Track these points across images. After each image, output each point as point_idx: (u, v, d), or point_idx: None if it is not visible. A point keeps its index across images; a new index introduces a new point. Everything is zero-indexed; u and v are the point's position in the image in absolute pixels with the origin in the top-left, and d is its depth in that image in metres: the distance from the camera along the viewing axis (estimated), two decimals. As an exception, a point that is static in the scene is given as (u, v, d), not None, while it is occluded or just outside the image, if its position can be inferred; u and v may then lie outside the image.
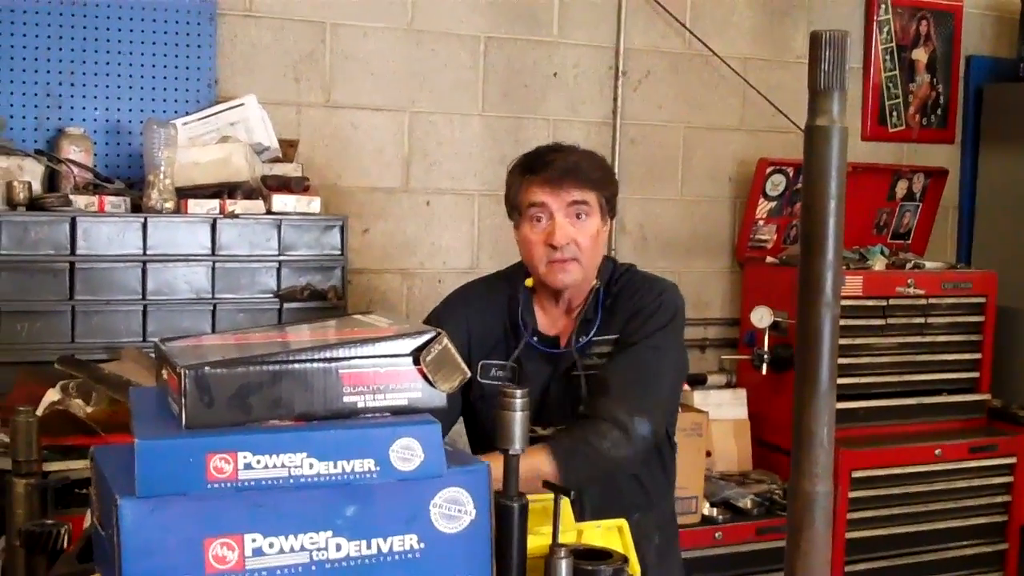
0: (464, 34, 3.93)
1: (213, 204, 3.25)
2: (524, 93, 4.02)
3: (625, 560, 2.41)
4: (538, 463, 2.33)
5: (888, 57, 4.67)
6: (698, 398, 4.06)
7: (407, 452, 1.54)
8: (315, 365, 1.55)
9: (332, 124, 3.77)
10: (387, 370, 1.57)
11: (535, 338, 2.61)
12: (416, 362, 1.59)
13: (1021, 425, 4.55)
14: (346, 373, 1.55)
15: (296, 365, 1.55)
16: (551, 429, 2.53)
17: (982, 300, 4.46)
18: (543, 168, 2.51)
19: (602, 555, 2.43)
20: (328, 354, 1.56)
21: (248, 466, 1.49)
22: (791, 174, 4.30)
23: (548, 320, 2.66)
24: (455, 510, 1.59)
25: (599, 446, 2.41)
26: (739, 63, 4.31)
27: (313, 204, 3.34)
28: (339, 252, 3.36)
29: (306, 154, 3.64)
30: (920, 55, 4.77)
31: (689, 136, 4.32)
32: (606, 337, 2.58)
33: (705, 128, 4.32)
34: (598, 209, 2.53)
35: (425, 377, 1.59)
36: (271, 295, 3.30)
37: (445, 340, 1.60)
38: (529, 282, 2.63)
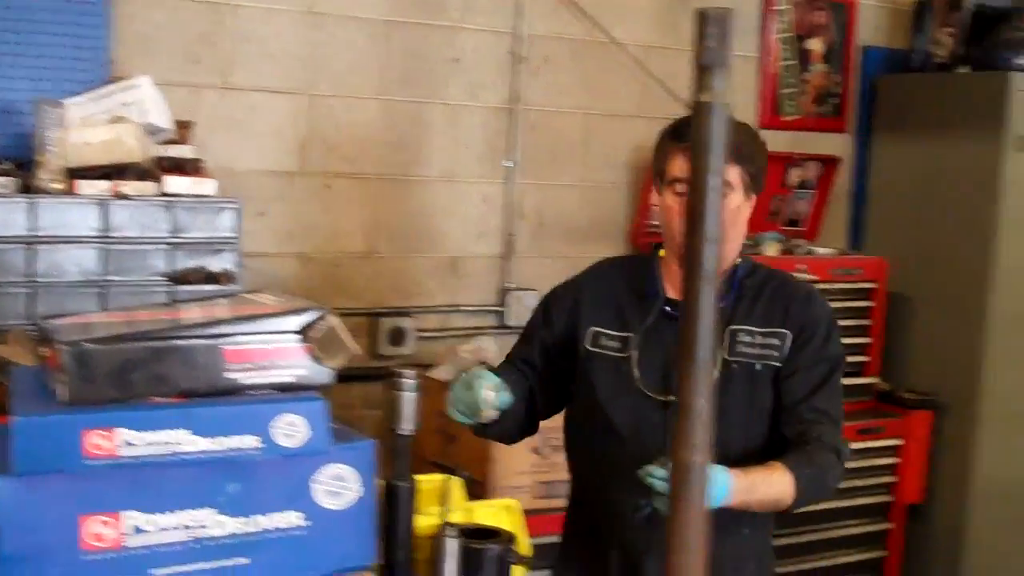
0: (364, 17, 3.90)
1: (104, 185, 3.19)
2: (424, 78, 4.01)
3: (513, 538, 2.43)
4: (783, 492, 2.34)
5: (785, 46, 4.73)
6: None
7: (291, 428, 1.54)
8: (198, 342, 1.54)
9: (229, 106, 3.72)
10: (272, 347, 1.57)
11: (668, 306, 2.54)
12: (303, 339, 1.58)
13: (908, 408, 4.67)
14: (230, 350, 1.54)
15: (179, 342, 1.53)
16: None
17: (872, 286, 4.55)
18: (684, 137, 2.38)
19: (492, 534, 2.45)
20: (211, 331, 1.55)
21: (128, 443, 1.48)
22: (688, 161, 4.34)
23: (677, 290, 2.53)
24: (339, 487, 1.59)
25: (829, 478, 2.43)
26: (639, 50, 4.34)
27: (207, 186, 3.29)
28: (233, 235, 3.32)
29: (202, 136, 3.59)
30: (816, 45, 4.84)
31: (588, 122, 4.34)
32: (756, 329, 2.53)
33: (604, 114, 4.34)
34: (741, 185, 2.43)
35: (312, 354, 1.58)
36: (163, 278, 3.25)
37: (333, 318, 1.59)
38: (662, 252, 2.58)
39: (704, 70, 1.21)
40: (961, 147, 4.60)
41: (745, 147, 2.43)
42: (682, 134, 2.40)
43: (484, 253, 4.21)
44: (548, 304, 2.78)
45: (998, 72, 4.48)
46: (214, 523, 1.51)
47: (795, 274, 2.71)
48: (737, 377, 2.51)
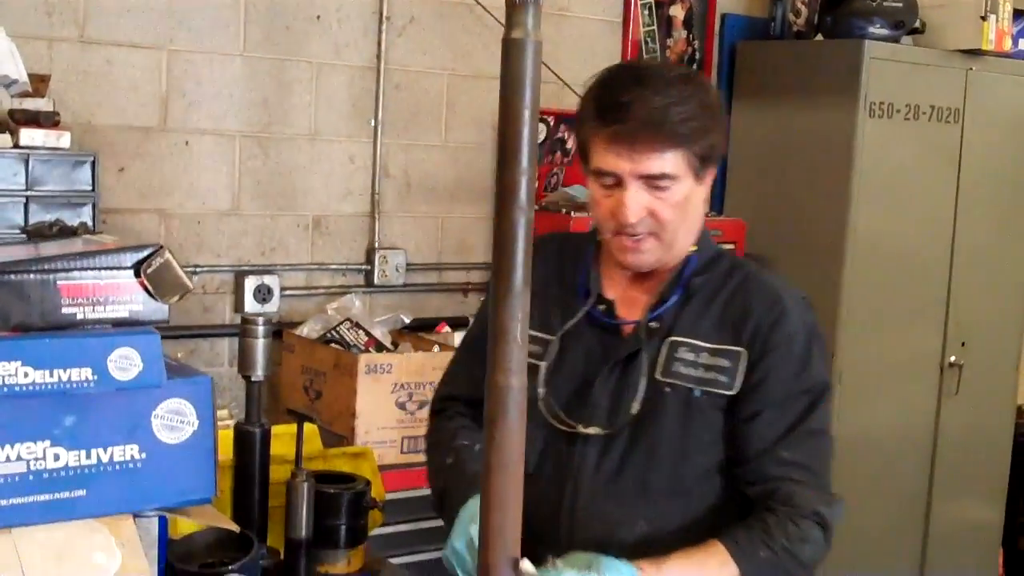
0: (225, -27, 3.89)
1: (-43, 137, 3.15)
2: (286, 35, 4.00)
3: (367, 484, 2.48)
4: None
5: (646, 12, 4.82)
6: (458, 340, 4.14)
7: (125, 361, 1.56)
8: (32, 276, 1.55)
9: (86, 60, 3.68)
10: (107, 282, 1.58)
11: (600, 307, 2.11)
12: (137, 275, 1.60)
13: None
14: (64, 284, 1.56)
15: (12, 276, 1.55)
16: (593, 428, 2.04)
17: (731, 246, 4.67)
18: (615, 117, 1.93)
19: (347, 480, 2.49)
20: (46, 265, 1.56)
21: (-39, 375, 1.48)
22: (552, 123, 4.41)
23: (615, 289, 2.14)
24: (177, 421, 1.62)
25: (801, 554, 1.92)
26: (503, 12, 4.37)
27: (63, 139, 3.27)
28: (90, 188, 3.30)
29: (58, 90, 3.55)
30: (677, 11, 4.93)
31: (453, 83, 4.38)
32: (703, 344, 2.02)
33: (470, 76, 4.38)
34: (689, 171, 1.95)
35: (146, 289, 1.61)
36: (18, 231, 3.22)
37: (167, 254, 1.62)
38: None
39: (515, 7, 1.26)
40: (818, 113, 4.73)
41: (692, 122, 1.93)
42: (604, 112, 1.95)
43: (350, 212, 4.23)
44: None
45: (852, 40, 4.62)
46: (51, 456, 1.53)
47: (770, 273, 2.13)
48: (669, 406, 2.01)
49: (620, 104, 1.92)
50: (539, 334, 2.08)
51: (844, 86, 4.60)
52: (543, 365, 2.06)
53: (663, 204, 1.96)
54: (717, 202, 5.11)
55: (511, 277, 1.27)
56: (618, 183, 1.96)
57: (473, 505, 1.86)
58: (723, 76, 5.09)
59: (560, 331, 2.09)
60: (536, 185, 1.19)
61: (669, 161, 1.93)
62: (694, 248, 2.09)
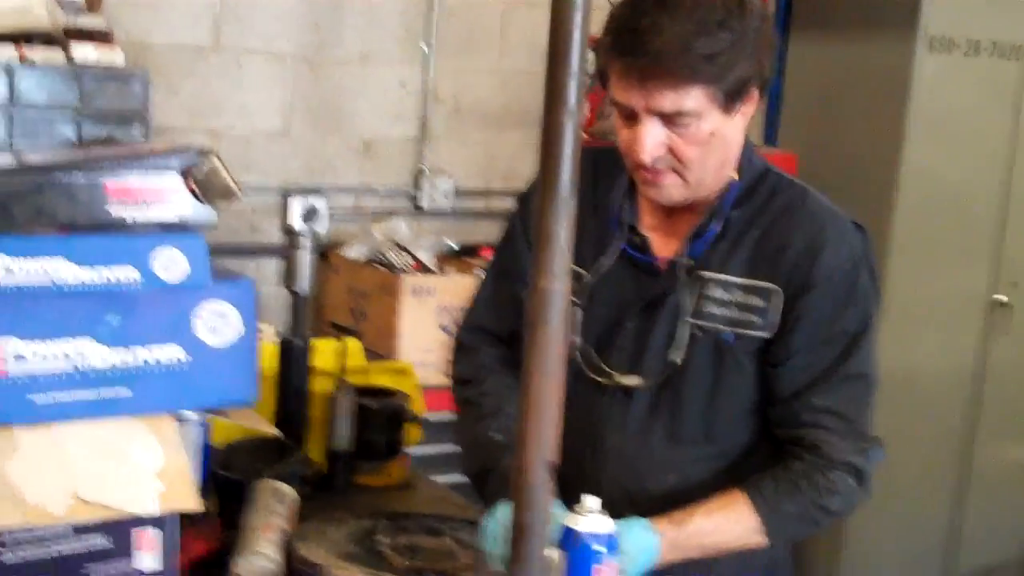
0: None
1: (10, 51, 3.16)
2: (341, -43, 3.99)
3: (407, 398, 2.50)
4: (742, 538, 1.84)
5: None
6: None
7: (170, 262, 1.57)
8: (79, 176, 1.56)
9: (140, -22, 3.68)
10: (154, 184, 1.59)
11: (635, 240, 1.95)
12: (185, 178, 1.61)
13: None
14: (111, 185, 1.57)
15: (60, 175, 1.55)
16: (632, 378, 1.92)
17: (782, 179, 4.62)
18: (629, 47, 1.73)
19: (387, 394, 2.51)
20: (94, 166, 1.57)
21: (8, 270, 1.50)
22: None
23: (653, 220, 1.96)
24: (220, 323, 1.63)
25: (830, 506, 1.85)
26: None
27: (116, 57, 3.28)
28: (141, 106, 3.31)
29: (112, 8, 3.55)
30: (735, -59, 4.85)
31: (507, 8, 4.34)
32: (735, 280, 1.87)
33: (523, 2, 4.34)
34: (714, 106, 1.75)
35: (193, 193, 1.61)
36: (71, 146, 3.24)
37: (215, 159, 1.62)
38: None
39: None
40: (875, 46, 4.64)
41: (720, 56, 1.72)
42: (619, 42, 1.75)
43: (399, 136, 4.23)
44: (520, 214, 2.12)
45: (913, -29, 4.52)
46: (94, 353, 1.54)
47: (820, 195, 1.93)
48: (699, 351, 1.88)
49: (635, 32, 1.71)
50: (578, 268, 1.92)
51: (903, 19, 4.50)
52: (579, 312, 1.93)
53: (683, 142, 1.77)
54: (770, 133, 5.05)
55: (557, 182, 1.26)
56: (633, 116, 1.78)
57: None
58: (781, 5, 5.01)
59: (594, 270, 1.94)
60: (586, 87, 1.15)
61: (688, 98, 1.73)
62: (734, 176, 1.89)
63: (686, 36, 1.69)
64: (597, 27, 1.61)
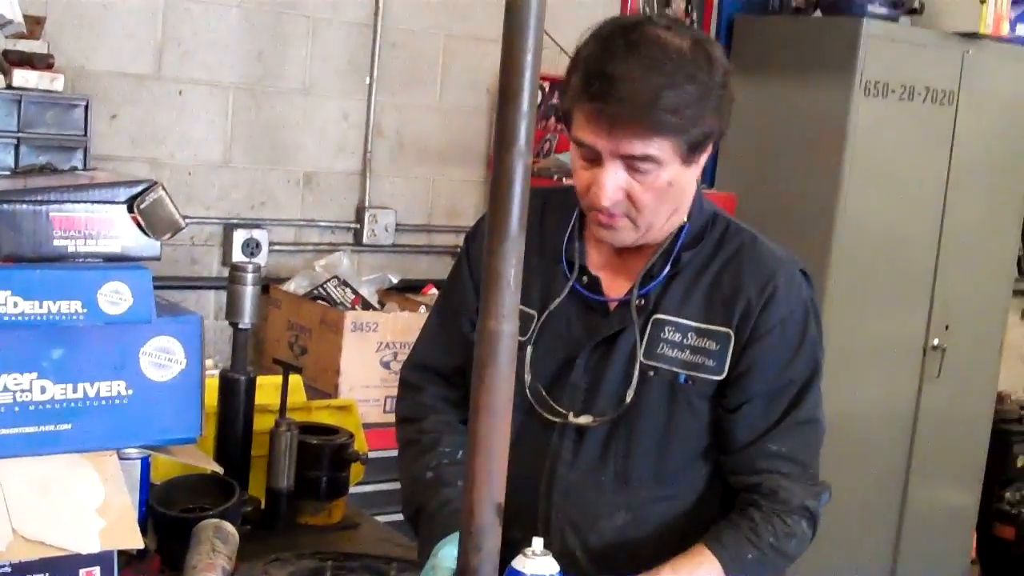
0: (225, -77, 3.86)
1: (-52, 76, 3.13)
2: (285, -12, 3.98)
3: (351, 436, 2.48)
4: None
5: (647, -19, 4.81)
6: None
7: (115, 296, 1.55)
8: (24, 207, 1.54)
9: (82, 4, 3.64)
10: (99, 216, 1.58)
11: (584, 280, 1.97)
12: (130, 210, 1.60)
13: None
14: (57, 216, 1.55)
15: (4, 205, 1.54)
16: (584, 417, 1.93)
17: (721, 221, 4.66)
18: (600, 92, 1.75)
19: (330, 432, 2.49)
20: (39, 196, 1.55)
21: (-51, 302, 1.47)
22: (547, 88, 4.39)
23: (601, 259, 1.99)
24: (165, 359, 1.61)
25: (787, 550, 1.89)
26: (503, -24, 4.36)
27: (56, 82, 3.25)
28: (82, 133, 3.29)
29: (54, 34, 3.52)
30: (678, -17, 4.92)
31: (450, 44, 4.35)
32: (689, 323, 1.89)
33: (468, 37, 4.35)
34: (676, 157, 1.79)
35: (139, 225, 1.60)
36: (8, 172, 3.20)
37: (160, 190, 1.61)
38: None
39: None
40: (813, 90, 4.72)
41: (686, 110, 1.75)
42: (590, 84, 1.77)
43: (342, 169, 4.22)
44: (467, 251, 2.11)
45: (851, 18, 4.61)
46: (37, 388, 1.53)
47: (768, 240, 1.97)
48: (653, 391, 1.90)
49: (607, 78, 1.74)
50: (526, 308, 1.95)
51: (840, 64, 4.59)
52: (528, 349, 1.94)
53: (641, 188, 1.80)
54: (708, 175, 5.10)
55: (507, 222, 1.26)
56: (596, 159, 1.80)
57: (452, 548, 1.64)
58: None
59: (542, 308, 1.96)
60: (535, 131, 1.16)
61: (653, 146, 1.76)
62: (685, 220, 1.92)
63: (657, 88, 1.73)
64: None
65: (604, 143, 1.77)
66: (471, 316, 2.00)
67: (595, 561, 1.94)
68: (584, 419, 1.92)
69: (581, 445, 1.95)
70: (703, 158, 1.85)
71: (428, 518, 1.91)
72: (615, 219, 1.84)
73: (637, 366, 1.89)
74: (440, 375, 2.10)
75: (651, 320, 1.90)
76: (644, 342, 1.89)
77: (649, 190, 1.80)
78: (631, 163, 1.78)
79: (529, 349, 1.94)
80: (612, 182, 1.79)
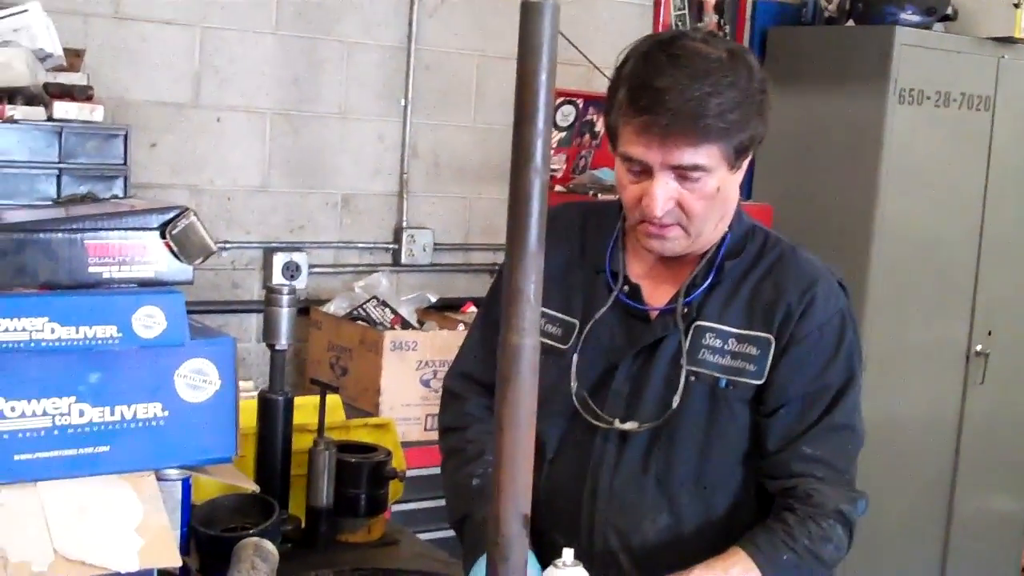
0: (259, -48, 3.92)
1: (-8, 109, 3.20)
2: (318, 13, 4.03)
3: (388, 454, 2.51)
4: None
5: (678, -4, 4.83)
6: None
7: (149, 320, 1.59)
8: (60, 235, 1.58)
9: (121, 36, 3.72)
10: (133, 242, 1.61)
11: (625, 288, 2.01)
12: (163, 236, 1.63)
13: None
14: (91, 243, 1.59)
15: (40, 235, 1.58)
16: (630, 423, 1.97)
17: (758, 232, 4.66)
18: (649, 104, 1.80)
19: (368, 450, 2.52)
20: (74, 225, 1.59)
21: (-11, 330, 1.52)
22: (580, 105, 4.42)
23: (642, 269, 2.04)
24: (200, 380, 1.65)
25: (823, 554, 1.89)
26: (534, -5, 4.39)
27: (96, 113, 3.31)
28: (122, 162, 3.34)
29: (93, 65, 3.59)
30: (709, -4, 4.94)
31: (483, 65, 4.40)
32: (730, 329, 1.94)
33: (500, 57, 4.40)
34: (723, 163, 1.85)
35: (171, 250, 1.64)
36: (51, 202, 3.26)
37: (192, 216, 1.65)
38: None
39: (534, -30, 1.26)
40: (848, 99, 4.72)
41: (731, 115, 1.81)
42: (637, 98, 1.82)
43: (379, 191, 4.26)
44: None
45: (883, 26, 4.61)
46: (76, 411, 1.56)
47: (806, 251, 2.02)
48: (695, 397, 1.94)
49: (654, 91, 1.79)
50: (562, 316, 2.03)
51: (875, 73, 4.59)
52: (574, 358, 1.99)
53: (693, 196, 1.86)
54: (746, 186, 5.10)
55: (525, 238, 1.29)
56: (646, 171, 1.86)
57: None
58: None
59: (584, 317, 2.01)
60: (551, 148, 1.19)
61: (703, 154, 1.82)
62: (727, 230, 1.97)
63: (703, 96, 1.79)
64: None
65: (655, 155, 1.83)
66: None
67: (637, 563, 1.97)
68: (630, 425, 1.96)
69: (624, 450, 1.99)
70: (745, 163, 1.92)
71: (475, 527, 1.95)
72: (667, 229, 1.90)
73: (683, 372, 1.92)
74: (482, 385, 2.15)
75: (692, 327, 1.95)
76: (686, 348, 1.93)
77: (700, 198, 1.86)
78: (681, 172, 1.84)
79: (575, 357, 1.99)
80: (664, 192, 1.85)
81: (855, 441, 1.96)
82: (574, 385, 1.99)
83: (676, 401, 1.92)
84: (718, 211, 1.91)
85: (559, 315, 2.04)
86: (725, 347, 1.93)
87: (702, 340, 1.94)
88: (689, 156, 1.82)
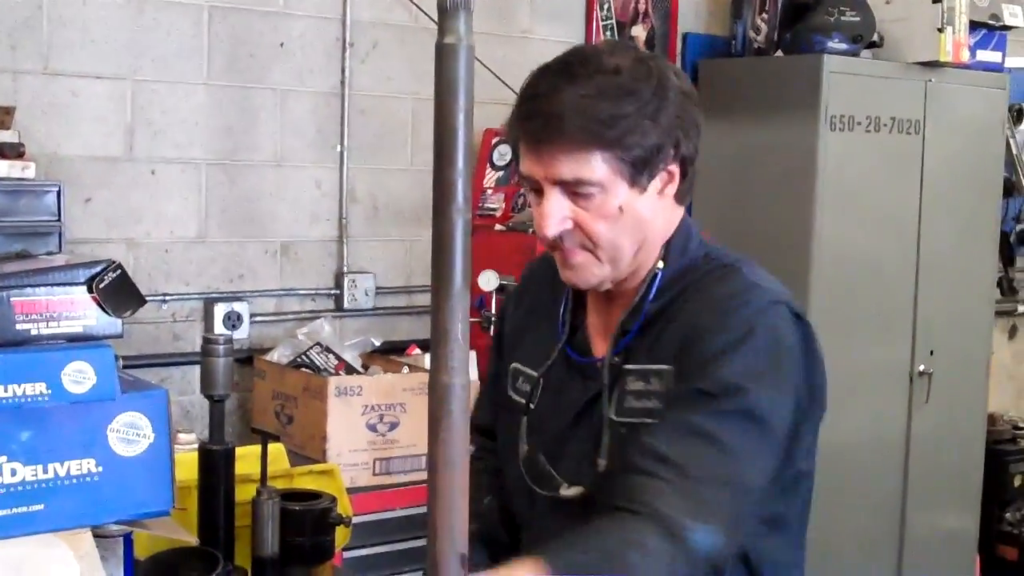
0: (187, 3, 3.92)
1: (-79, 170, 3.17)
2: (250, 63, 4.04)
3: (334, 500, 2.50)
4: None
5: (608, 33, 4.87)
6: (429, 362, 4.15)
7: (79, 375, 1.58)
8: (-15, 294, 1.56)
9: (51, 92, 3.71)
10: (60, 298, 1.60)
11: (577, 338, 1.89)
12: (90, 290, 1.63)
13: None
14: (18, 301, 1.58)
15: (-35, 294, 1.56)
16: (574, 489, 1.81)
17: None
18: (527, 112, 1.71)
19: (313, 497, 2.51)
20: (0, 283, 1.58)
21: (-85, 391, 1.50)
22: (517, 144, 4.44)
23: (597, 317, 1.91)
24: (133, 434, 1.64)
25: (626, 559, 1.55)
26: (466, 37, 4.41)
27: (28, 170, 3.30)
28: (56, 218, 3.32)
29: (24, 122, 3.57)
30: (639, 32, 4.99)
31: (418, 107, 4.42)
32: (652, 367, 1.76)
33: (432, 99, 4.39)
34: (619, 178, 1.69)
35: (100, 304, 1.63)
36: (-16, 262, 3.24)
37: (120, 269, 1.64)
38: None
39: (446, 13, 1.28)
40: (780, 128, 4.78)
41: (621, 121, 1.66)
42: (520, 108, 1.74)
43: (318, 237, 4.26)
44: (501, 317, 2.13)
45: (812, 55, 4.67)
46: (7, 471, 1.55)
47: (758, 274, 1.83)
48: (628, 448, 1.73)
49: (534, 97, 1.70)
50: (529, 371, 1.92)
51: (805, 101, 4.64)
52: (524, 419, 1.89)
53: (589, 215, 1.71)
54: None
55: (450, 278, 1.30)
56: (538, 189, 1.73)
57: None
58: (687, 92, 5.14)
59: (540, 372, 1.90)
60: (471, 188, 1.18)
61: (586, 165, 1.67)
62: (660, 265, 1.80)
63: (583, 99, 1.66)
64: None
65: (538, 169, 1.71)
66: (504, 377, 2.01)
67: None
68: (571, 490, 1.80)
69: (574, 520, 1.76)
70: (665, 185, 1.76)
71: None
72: (572, 253, 1.76)
73: (606, 426, 1.76)
74: (481, 431, 2.07)
75: (619, 374, 1.79)
76: (614, 399, 1.77)
77: (598, 217, 1.71)
78: (569, 188, 1.70)
79: (524, 420, 1.89)
80: (553, 210, 1.71)
81: (724, 461, 1.65)
82: (523, 448, 1.88)
83: (602, 462, 1.76)
84: (630, 235, 1.74)
85: (526, 370, 1.93)
86: (648, 388, 1.74)
87: (626, 386, 1.77)
88: (568, 168, 1.68)
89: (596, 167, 1.68)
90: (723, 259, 1.84)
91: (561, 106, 1.66)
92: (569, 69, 1.70)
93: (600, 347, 1.87)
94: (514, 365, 1.96)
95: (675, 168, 1.76)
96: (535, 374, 1.90)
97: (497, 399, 2.04)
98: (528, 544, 1.85)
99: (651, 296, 1.80)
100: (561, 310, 1.91)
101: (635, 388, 1.76)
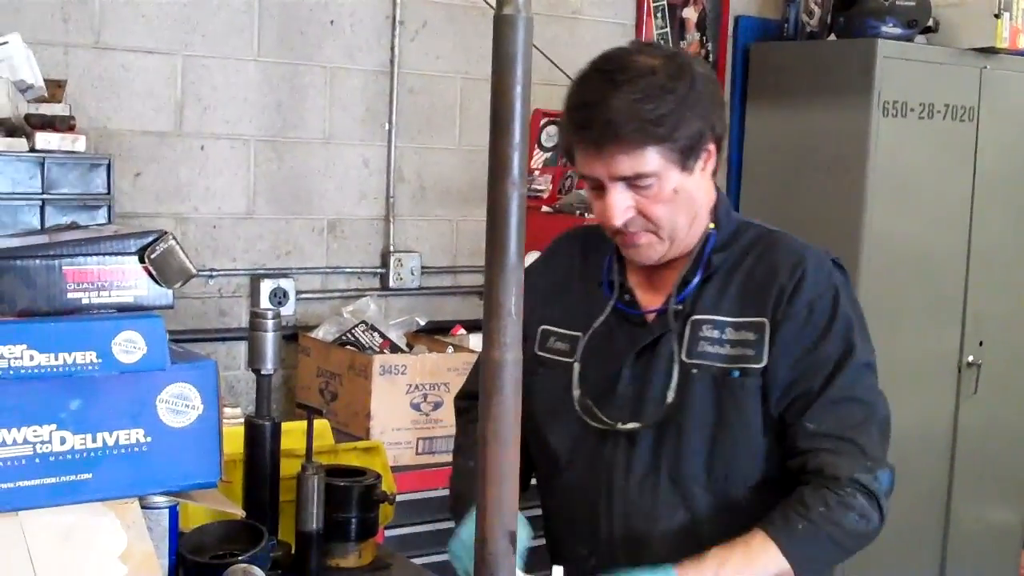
0: (239, -21, 3.92)
1: (-28, 142, 3.19)
2: (300, 40, 4.03)
3: (378, 477, 2.49)
4: (766, 562, 1.86)
5: (659, 15, 4.83)
6: (474, 342, 4.15)
7: (129, 345, 1.58)
8: (37, 262, 1.57)
9: (102, 66, 3.72)
10: (111, 267, 1.60)
11: (626, 297, 2.08)
12: (141, 260, 1.62)
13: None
14: (69, 270, 1.58)
15: (18, 261, 1.57)
16: (631, 424, 2.01)
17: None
18: (582, 122, 1.91)
19: (357, 474, 2.50)
20: (51, 251, 1.58)
21: (-33, 358, 1.50)
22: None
23: (637, 279, 2.11)
24: (182, 405, 1.63)
25: (845, 522, 1.89)
26: (516, 16, 4.39)
27: (78, 143, 3.30)
28: (106, 192, 3.33)
29: (75, 96, 3.58)
30: (690, 13, 4.95)
31: (466, 86, 4.40)
32: (727, 319, 1.98)
33: (483, 79, 4.40)
34: (671, 165, 1.90)
35: (150, 275, 1.62)
36: (33, 233, 3.25)
37: (171, 240, 1.63)
38: None
39: (506, -17, 1.26)
40: (832, 113, 4.73)
41: (668, 117, 1.86)
42: (574, 122, 1.93)
43: (365, 215, 4.25)
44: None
45: (865, 39, 4.61)
46: (57, 439, 1.55)
47: (796, 237, 2.06)
48: (698, 390, 1.97)
49: (585, 107, 1.90)
50: (565, 331, 2.11)
51: (858, 86, 4.59)
52: (576, 366, 2.06)
53: (649, 202, 1.93)
54: (732, 202, 5.10)
55: (505, 252, 1.28)
56: (600, 186, 1.94)
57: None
58: (737, 78, 5.10)
59: (586, 328, 2.08)
60: (527, 161, 1.19)
61: (643, 160, 1.88)
62: (712, 226, 2.02)
63: (632, 104, 1.85)
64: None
65: (600, 169, 1.90)
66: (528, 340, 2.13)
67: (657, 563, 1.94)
68: (632, 425, 2.00)
69: (633, 452, 2.02)
70: (707, 163, 1.97)
71: (463, 498, 2.11)
72: (635, 237, 1.96)
73: (676, 366, 1.96)
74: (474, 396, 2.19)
75: (689, 322, 1.99)
76: (685, 343, 1.97)
77: (657, 202, 1.92)
78: (629, 182, 1.90)
79: (576, 366, 2.06)
80: (618, 203, 1.92)
81: (864, 413, 1.96)
82: (576, 392, 2.04)
83: (671, 395, 1.96)
84: (685, 212, 1.96)
85: (563, 331, 2.12)
86: (723, 337, 1.96)
87: (699, 333, 1.98)
88: (628, 165, 1.88)
89: (651, 160, 1.88)
90: (763, 225, 2.09)
91: (613, 112, 1.85)
92: (610, 76, 1.88)
93: (649, 301, 2.07)
94: (543, 327, 2.14)
95: (712, 147, 1.98)
96: (574, 333, 2.09)
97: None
98: (570, 477, 2.07)
99: (708, 252, 2.02)
100: (604, 272, 2.12)
101: (710, 335, 1.97)
